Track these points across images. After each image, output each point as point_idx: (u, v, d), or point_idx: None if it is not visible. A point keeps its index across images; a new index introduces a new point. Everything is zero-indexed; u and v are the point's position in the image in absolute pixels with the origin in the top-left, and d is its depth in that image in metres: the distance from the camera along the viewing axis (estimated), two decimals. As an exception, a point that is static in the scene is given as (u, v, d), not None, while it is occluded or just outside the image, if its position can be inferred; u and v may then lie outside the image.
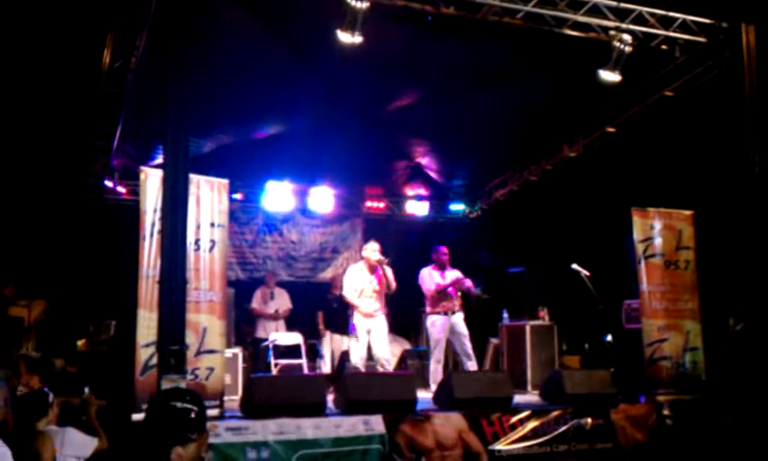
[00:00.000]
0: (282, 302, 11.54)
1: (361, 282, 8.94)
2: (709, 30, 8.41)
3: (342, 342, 11.23)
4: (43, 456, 5.12)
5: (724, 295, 10.13)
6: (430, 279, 9.31)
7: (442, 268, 9.39)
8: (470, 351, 9.25)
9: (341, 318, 11.08)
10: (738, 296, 9.57)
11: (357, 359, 8.87)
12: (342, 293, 9.18)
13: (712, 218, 9.72)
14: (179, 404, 2.71)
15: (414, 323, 12.23)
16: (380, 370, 8.72)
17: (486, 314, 11.21)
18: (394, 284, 8.90)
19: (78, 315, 13.31)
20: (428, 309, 9.37)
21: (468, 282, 9.37)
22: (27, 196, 12.88)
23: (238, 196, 12.83)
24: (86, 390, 7.12)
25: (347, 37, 7.46)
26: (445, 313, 9.19)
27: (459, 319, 9.26)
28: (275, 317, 11.31)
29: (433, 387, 8.74)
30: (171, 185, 5.67)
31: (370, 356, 8.93)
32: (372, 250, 9.01)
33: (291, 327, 11.33)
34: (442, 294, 9.23)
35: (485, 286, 11.50)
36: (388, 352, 9.03)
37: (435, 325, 9.25)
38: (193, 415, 2.72)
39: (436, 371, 9.14)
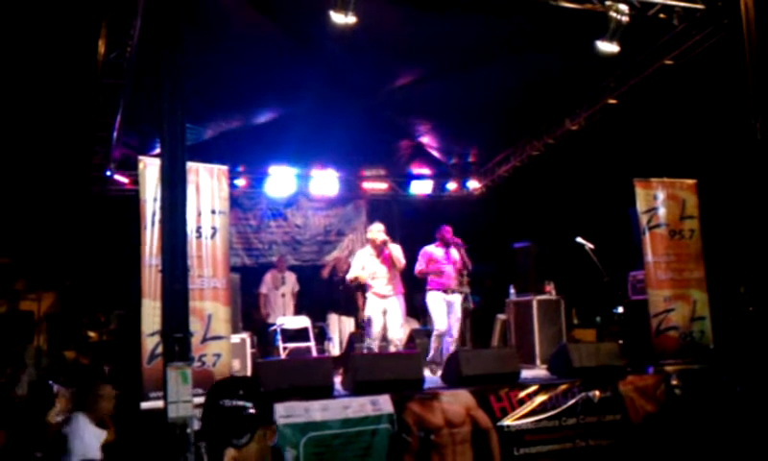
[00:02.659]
0: (291, 286, 11.57)
1: (371, 265, 8.92)
2: (707, -5, 8.34)
3: (350, 324, 11.27)
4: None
5: (731, 263, 10.10)
6: (423, 257, 9.33)
7: (446, 246, 9.36)
8: (456, 333, 9.25)
9: (347, 300, 11.13)
10: (745, 263, 9.54)
11: (373, 340, 8.85)
12: (348, 276, 9.16)
13: (716, 186, 9.68)
14: (227, 403, 2.38)
15: (422, 302, 12.24)
16: (392, 350, 8.73)
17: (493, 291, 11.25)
18: (402, 261, 8.89)
19: (87, 306, 13.38)
20: (427, 286, 9.37)
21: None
22: (33, 191, 12.93)
23: (241, 182, 12.83)
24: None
25: (340, 18, 7.41)
26: (444, 291, 9.21)
27: (456, 299, 9.25)
28: (283, 301, 11.33)
29: (431, 353, 9.07)
30: (169, 174, 5.64)
31: (383, 337, 8.92)
32: (378, 230, 9.00)
33: (299, 310, 11.35)
34: (439, 273, 9.24)
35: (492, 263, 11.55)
36: (402, 333, 9.05)
37: (433, 300, 9.25)
38: (248, 412, 2.38)
39: (438, 339, 9.18)
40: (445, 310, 9.15)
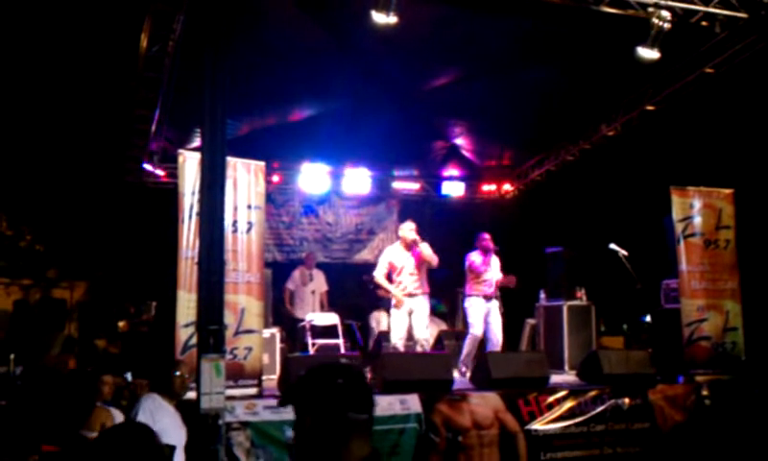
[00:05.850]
0: (319, 283, 11.59)
1: (399, 262, 8.93)
2: (751, 4, 8.20)
3: (379, 322, 11.29)
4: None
5: (764, 275, 9.99)
6: (476, 264, 9.29)
7: (486, 253, 9.37)
8: (500, 338, 9.25)
9: (377, 298, 11.14)
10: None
11: (397, 339, 8.85)
12: (374, 274, 9.19)
13: (753, 197, 9.58)
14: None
15: (451, 303, 12.23)
16: (419, 350, 8.73)
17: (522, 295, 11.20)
18: (435, 259, 8.84)
19: (119, 296, 13.54)
20: (468, 291, 9.35)
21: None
22: (68, 180, 13.11)
23: (275, 178, 12.89)
24: (128, 375, 7.26)
25: (381, 18, 7.42)
26: (484, 297, 9.21)
27: (494, 306, 9.27)
28: (312, 297, 11.37)
29: (463, 356, 9.07)
30: (208, 168, 5.71)
31: (409, 337, 8.93)
32: (409, 229, 8.99)
33: (328, 307, 11.38)
34: (480, 280, 9.24)
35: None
36: (428, 333, 9.02)
37: (473, 305, 9.24)
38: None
39: (472, 342, 9.17)
40: (484, 316, 9.16)
